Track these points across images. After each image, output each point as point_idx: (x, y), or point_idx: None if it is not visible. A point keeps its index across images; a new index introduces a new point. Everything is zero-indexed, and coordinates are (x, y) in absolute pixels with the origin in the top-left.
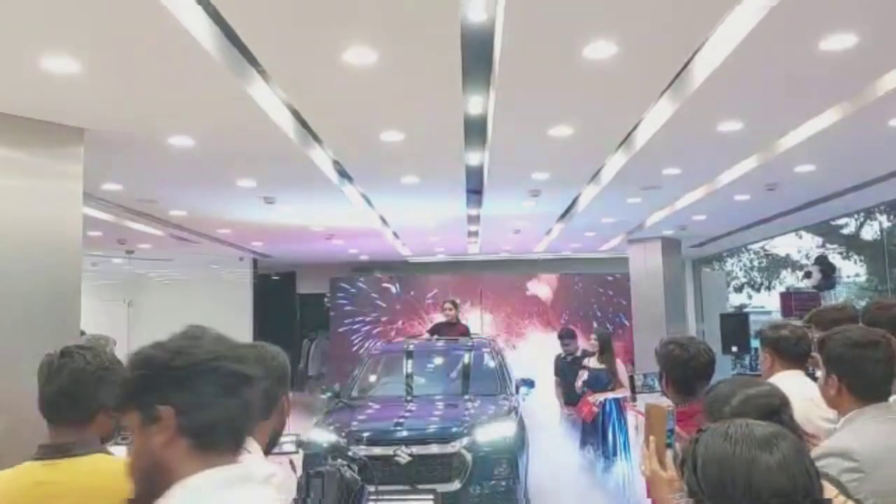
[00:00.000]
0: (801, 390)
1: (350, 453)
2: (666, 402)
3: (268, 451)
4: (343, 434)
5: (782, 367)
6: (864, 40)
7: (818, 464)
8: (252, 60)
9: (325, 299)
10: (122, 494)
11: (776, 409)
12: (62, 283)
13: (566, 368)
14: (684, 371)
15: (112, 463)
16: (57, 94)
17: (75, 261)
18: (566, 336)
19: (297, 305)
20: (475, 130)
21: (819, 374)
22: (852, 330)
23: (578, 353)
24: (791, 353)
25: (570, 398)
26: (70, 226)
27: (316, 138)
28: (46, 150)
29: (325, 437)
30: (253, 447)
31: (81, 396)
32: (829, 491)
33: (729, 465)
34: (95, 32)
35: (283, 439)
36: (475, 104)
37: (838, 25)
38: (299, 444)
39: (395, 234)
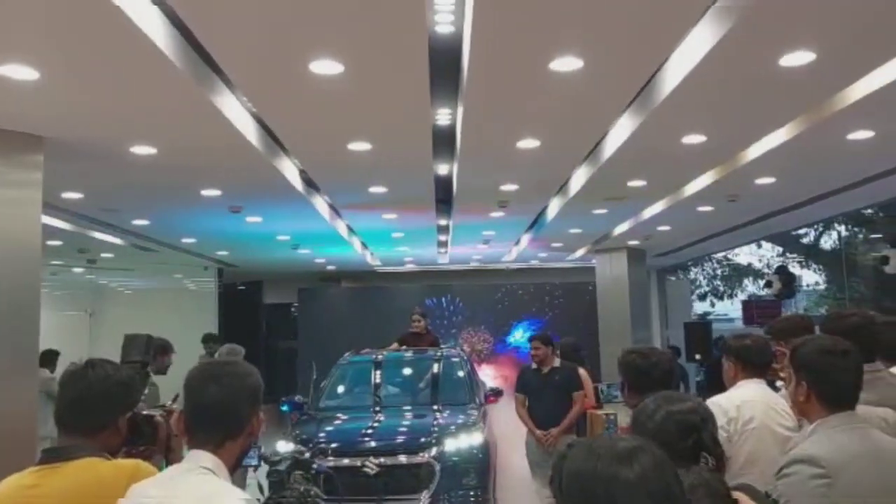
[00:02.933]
0: (763, 398)
1: (314, 466)
2: (626, 410)
3: (234, 469)
4: (310, 445)
5: (745, 376)
6: (822, 58)
7: (786, 470)
8: (217, 70)
9: (293, 309)
10: (104, 500)
11: (696, 425)
12: (20, 293)
13: (535, 380)
14: (645, 380)
15: (103, 467)
16: (14, 102)
17: (34, 270)
18: (535, 339)
19: (264, 315)
20: (444, 141)
21: (780, 383)
22: (823, 338)
23: (556, 364)
24: (754, 362)
25: (546, 420)
26: (28, 234)
27: (283, 148)
28: (4, 157)
29: (288, 449)
30: (220, 469)
31: (94, 406)
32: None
33: (590, 480)
34: (53, 39)
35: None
36: (444, 115)
37: (797, 43)
38: (262, 457)
39: (364, 244)
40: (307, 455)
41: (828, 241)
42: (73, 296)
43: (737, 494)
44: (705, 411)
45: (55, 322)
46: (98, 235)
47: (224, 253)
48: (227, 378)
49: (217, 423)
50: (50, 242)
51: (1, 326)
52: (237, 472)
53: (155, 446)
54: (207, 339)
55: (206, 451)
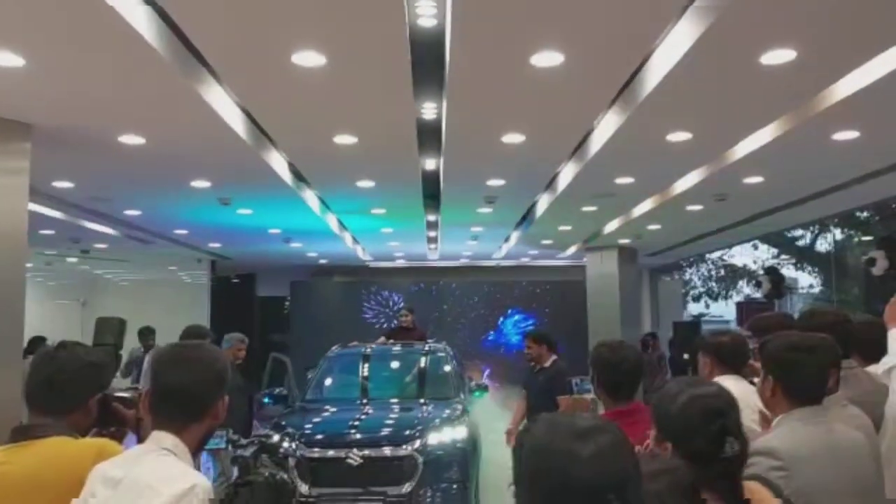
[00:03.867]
0: (737, 394)
1: (281, 451)
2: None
3: (197, 451)
4: (296, 437)
5: (721, 372)
6: (802, 56)
7: (747, 462)
8: (203, 61)
9: (286, 302)
10: (69, 479)
11: (722, 410)
12: (5, 281)
13: (529, 377)
14: (614, 373)
15: (69, 446)
16: (1, 89)
17: (19, 257)
18: (527, 337)
19: (257, 308)
20: (430, 136)
21: (756, 380)
22: (792, 334)
23: (547, 364)
24: (729, 359)
25: (529, 417)
26: (15, 222)
27: (270, 140)
28: None
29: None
30: (178, 448)
31: (64, 387)
32: (760, 492)
33: (547, 454)
34: (38, 27)
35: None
36: (429, 110)
37: (777, 41)
38: (230, 441)
39: (355, 239)
40: (276, 439)
41: (822, 244)
42: (67, 285)
43: (750, 484)
44: (729, 396)
45: (49, 310)
46: (90, 225)
47: (216, 245)
48: (193, 362)
49: (180, 405)
50: (42, 231)
51: None
52: (224, 454)
53: (126, 427)
54: (143, 333)
55: (169, 433)
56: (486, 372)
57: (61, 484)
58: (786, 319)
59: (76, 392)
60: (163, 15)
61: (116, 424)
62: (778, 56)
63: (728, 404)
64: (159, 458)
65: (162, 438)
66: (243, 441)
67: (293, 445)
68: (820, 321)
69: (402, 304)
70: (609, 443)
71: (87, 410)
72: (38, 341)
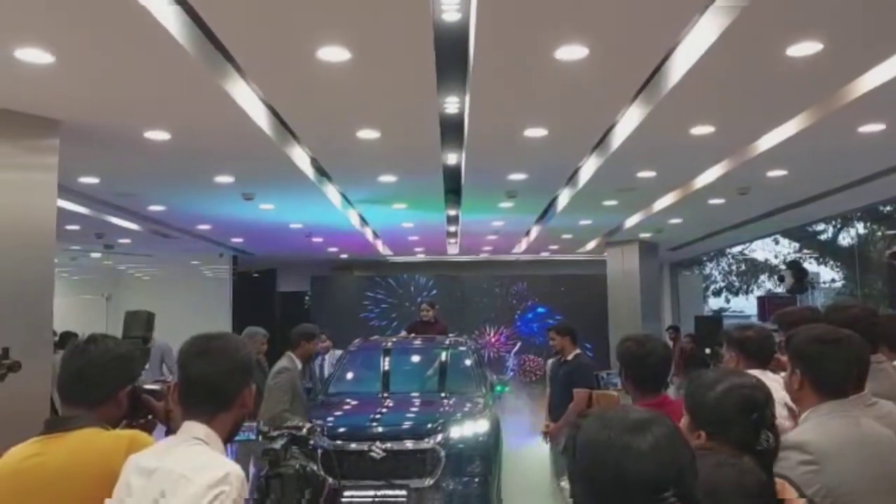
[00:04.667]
0: None
1: (311, 442)
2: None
3: (228, 441)
4: (320, 430)
5: (747, 366)
6: (829, 48)
7: (777, 456)
8: (228, 57)
9: (307, 298)
10: (102, 470)
11: (760, 403)
12: (34, 275)
13: (553, 369)
14: (641, 367)
15: (101, 437)
16: (30, 85)
17: (48, 253)
18: (551, 330)
19: (278, 303)
20: (452, 130)
21: (783, 374)
22: (818, 327)
23: (570, 357)
24: (756, 353)
25: (550, 410)
26: (44, 218)
27: (293, 135)
28: (20, 141)
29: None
30: (210, 438)
31: (94, 379)
32: (789, 492)
33: (601, 449)
34: (68, 24)
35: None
36: (451, 104)
37: (803, 33)
38: (260, 432)
39: (375, 234)
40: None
41: (845, 238)
42: (91, 280)
43: (780, 481)
44: (767, 389)
45: (73, 305)
46: (115, 221)
47: (239, 240)
48: (217, 352)
49: (207, 395)
50: (68, 227)
51: (16, 308)
52: (255, 445)
53: (156, 419)
54: (64, 338)
55: (200, 423)
56: (517, 347)
57: (93, 474)
58: (812, 313)
59: (106, 384)
60: (190, 12)
61: (146, 416)
62: (804, 48)
63: (766, 397)
64: (192, 448)
65: (193, 429)
66: (273, 433)
67: (317, 439)
68: (845, 315)
69: (423, 298)
70: (665, 434)
71: (118, 402)
72: (68, 336)
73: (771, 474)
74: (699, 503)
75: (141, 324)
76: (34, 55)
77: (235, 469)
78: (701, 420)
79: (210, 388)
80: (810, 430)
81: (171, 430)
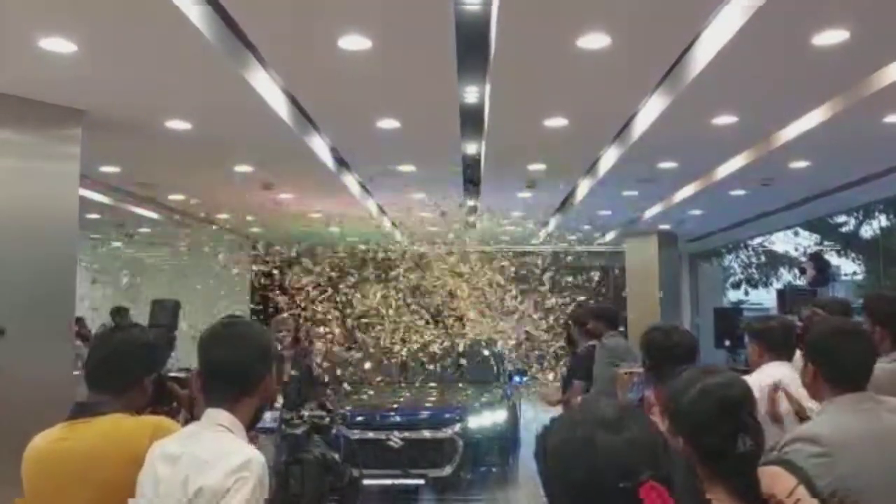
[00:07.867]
0: (786, 379)
1: (333, 431)
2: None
3: (250, 427)
4: (339, 419)
5: (770, 358)
6: (855, 37)
7: (786, 448)
8: (250, 46)
9: None
10: (126, 455)
11: (735, 402)
12: (58, 264)
13: (575, 362)
14: (667, 357)
15: (127, 423)
16: (54, 75)
17: (71, 242)
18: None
19: None
20: (472, 120)
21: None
22: (833, 320)
23: (579, 348)
24: (778, 344)
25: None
26: (66, 207)
27: (313, 125)
28: (44, 130)
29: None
30: (234, 425)
31: (120, 366)
32: (787, 481)
33: (570, 448)
34: (91, 14)
35: (266, 415)
36: (471, 93)
37: (829, 21)
38: (284, 421)
39: (394, 224)
40: (327, 420)
41: (867, 230)
42: (110, 269)
43: (770, 469)
44: (743, 385)
45: (93, 293)
46: (135, 209)
47: (258, 230)
48: (236, 339)
49: (228, 381)
50: (88, 216)
51: (39, 295)
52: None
53: (180, 406)
54: (116, 312)
55: (222, 410)
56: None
57: (119, 459)
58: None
59: (131, 371)
60: (212, 2)
61: (170, 403)
62: (830, 37)
63: (741, 394)
64: (215, 435)
65: (216, 415)
66: (296, 420)
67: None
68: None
69: None
70: (637, 426)
71: (143, 389)
72: (120, 311)
73: (755, 478)
74: (675, 483)
75: (167, 312)
76: (58, 45)
77: (257, 455)
78: (678, 426)
79: (230, 375)
80: (824, 423)
81: (194, 417)
